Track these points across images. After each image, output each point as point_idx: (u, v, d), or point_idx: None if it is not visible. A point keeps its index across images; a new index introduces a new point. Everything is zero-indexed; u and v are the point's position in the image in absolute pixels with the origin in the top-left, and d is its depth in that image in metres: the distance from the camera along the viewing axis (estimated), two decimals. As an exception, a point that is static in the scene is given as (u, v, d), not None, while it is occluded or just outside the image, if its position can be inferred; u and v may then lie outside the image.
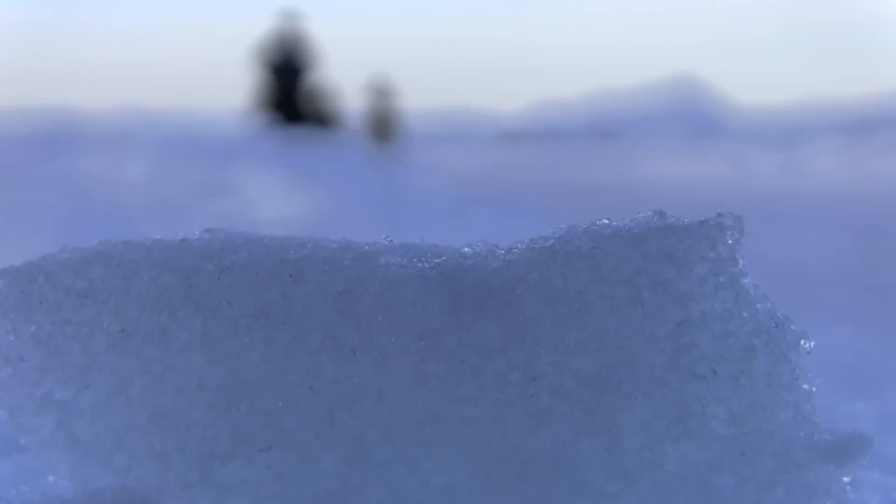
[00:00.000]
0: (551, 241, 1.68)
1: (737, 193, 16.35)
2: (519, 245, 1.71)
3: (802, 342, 1.69)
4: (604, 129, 20.37)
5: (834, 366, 4.89)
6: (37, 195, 6.42)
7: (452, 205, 6.48)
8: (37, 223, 5.05)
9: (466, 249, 1.73)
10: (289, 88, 24.10)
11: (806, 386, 1.69)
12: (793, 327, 1.69)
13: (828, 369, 4.76)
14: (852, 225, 10.39)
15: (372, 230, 5.08)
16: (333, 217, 5.58)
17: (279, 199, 5.87)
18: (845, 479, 1.69)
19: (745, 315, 1.66)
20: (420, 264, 1.69)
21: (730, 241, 1.70)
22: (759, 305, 1.69)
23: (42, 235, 5.04)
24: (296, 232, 5.06)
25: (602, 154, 25.93)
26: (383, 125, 26.70)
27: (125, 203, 6.32)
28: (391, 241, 1.75)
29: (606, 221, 1.71)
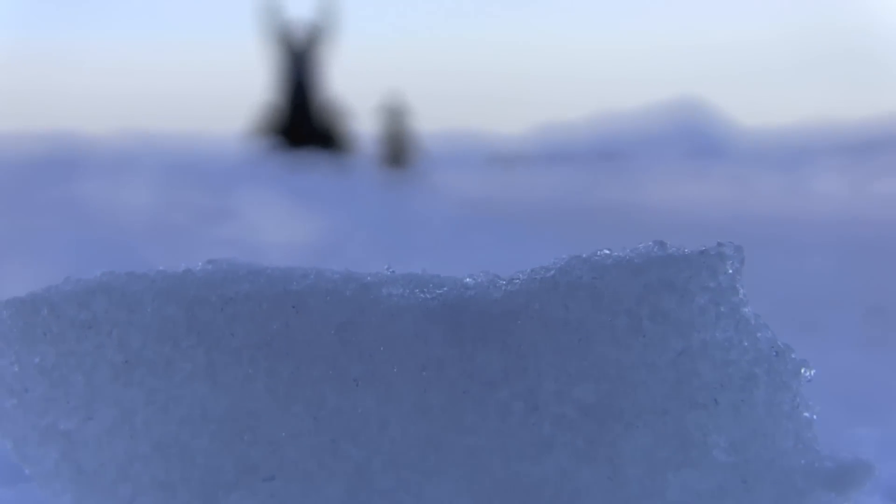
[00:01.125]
0: (552, 272, 1.70)
1: (740, 215, 16.36)
2: (520, 275, 1.72)
3: (803, 370, 1.70)
4: (606, 152, 20.39)
5: (836, 389, 4.89)
6: (39, 220, 6.44)
7: (456, 229, 6.49)
8: (39, 248, 5.07)
9: (468, 280, 1.75)
10: (301, 104, 23.76)
11: (807, 414, 1.70)
12: (793, 356, 1.70)
13: (830, 392, 4.76)
14: (855, 247, 10.39)
15: (375, 255, 5.09)
16: (337, 242, 5.59)
17: (283, 224, 5.88)
18: (847, 506, 1.69)
19: (746, 344, 1.67)
20: (422, 295, 1.70)
21: (730, 271, 1.71)
22: (759, 334, 1.70)
23: (45, 260, 5.05)
24: (299, 257, 5.06)
25: (605, 176, 25.95)
26: (398, 148, 26.24)
27: (128, 228, 6.33)
28: (393, 271, 1.76)
29: (607, 252, 1.72)
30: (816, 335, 5.67)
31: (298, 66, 23.92)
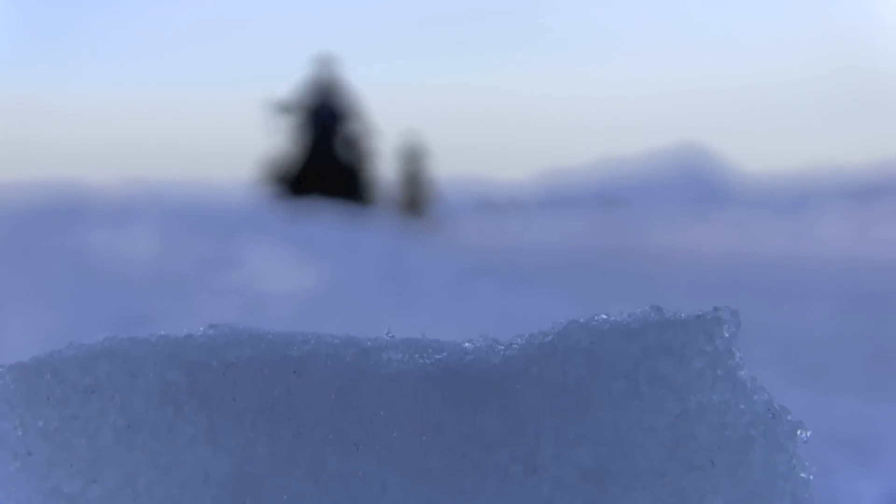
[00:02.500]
0: (551, 337, 1.72)
1: (742, 260, 16.42)
2: (519, 340, 1.75)
3: (799, 432, 1.72)
4: (610, 197, 20.46)
5: (839, 434, 4.90)
6: (41, 270, 6.46)
7: (460, 276, 6.51)
8: (41, 298, 5.08)
9: (467, 345, 1.77)
10: (326, 137, 23.06)
11: (803, 475, 1.71)
12: (789, 417, 1.71)
13: (833, 438, 4.77)
14: (858, 291, 10.41)
15: (378, 304, 5.10)
16: (340, 291, 5.61)
17: (286, 273, 5.90)
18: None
19: (742, 406, 1.69)
20: (421, 360, 1.72)
21: (726, 335, 1.73)
22: (755, 397, 1.71)
23: (47, 310, 5.07)
24: (301, 307, 5.07)
25: (609, 221, 26.05)
26: (414, 191, 25.98)
27: (131, 277, 6.35)
28: (392, 336, 1.78)
29: (605, 317, 1.74)
30: (820, 380, 5.69)
31: (321, 117, 23.17)
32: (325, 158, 22.81)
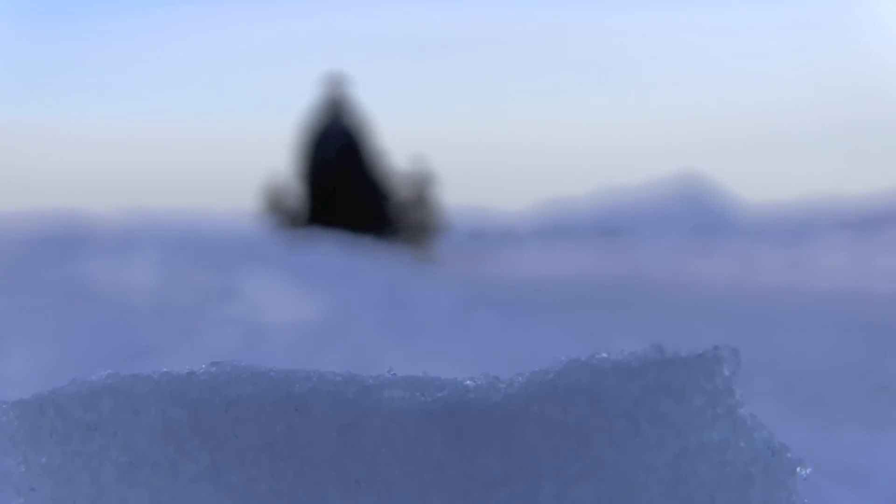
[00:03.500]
0: (551, 375, 1.72)
1: (743, 290, 16.39)
2: (519, 378, 1.75)
3: (798, 469, 1.72)
4: (610, 227, 20.47)
5: (841, 466, 4.88)
6: (41, 300, 6.46)
7: (460, 308, 6.51)
8: (41, 329, 5.09)
9: (468, 382, 1.78)
10: (340, 159, 21.27)
11: (803, 512, 1.72)
12: (789, 454, 1.72)
13: (834, 470, 4.75)
14: (859, 322, 10.40)
15: (379, 337, 5.10)
16: (342, 322, 5.61)
17: (286, 304, 5.90)
18: None
19: (742, 444, 1.70)
20: (422, 398, 1.73)
21: (726, 373, 1.74)
22: (755, 434, 1.72)
23: (47, 341, 5.07)
24: (303, 338, 5.07)
25: (609, 252, 26.02)
26: (420, 219, 25.61)
27: (131, 307, 6.35)
28: (394, 374, 1.79)
29: (605, 356, 1.75)
30: (821, 411, 5.67)
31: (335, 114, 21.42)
32: (339, 182, 21.16)
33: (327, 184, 17.98)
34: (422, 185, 24.73)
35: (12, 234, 7.86)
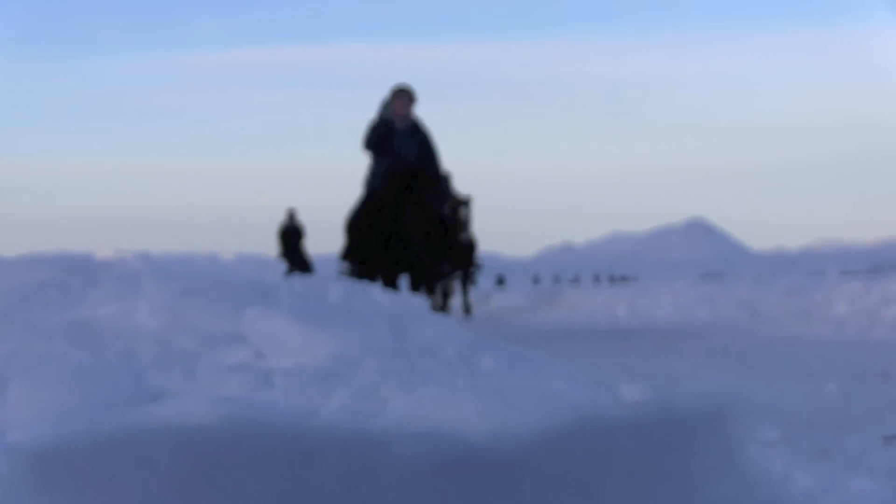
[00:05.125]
0: (560, 431, 1.70)
1: (750, 338, 16.33)
2: (527, 432, 1.73)
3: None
4: (618, 273, 20.43)
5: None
6: (48, 343, 6.43)
7: (467, 352, 6.47)
8: (47, 374, 5.05)
9: (476, 437, 1.76)
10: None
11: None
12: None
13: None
14: (868, 371, 10.35)
15: (385, 382, 5.06)
16: (346, 367, 5.57)
17: (293, 348, 5.86)
18: None
19: (749, 499, 1.68)
20: (430, 452, 1.71)
21: (735, 430, 1.72)
22: (763, 490, 1.70)
23: (53, 386, 5.04)
24: (306, 383, 5.02)
25: (616, 297, 25.95)
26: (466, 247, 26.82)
27: (137, 352, 6.32)
28: (403, 428, 1.77)
29: (614, 412, 1.73)
30: (830, 461, 5.63)
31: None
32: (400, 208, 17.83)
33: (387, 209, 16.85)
34: (463, 212, 25.97)
35: (17, 277, 7.83)
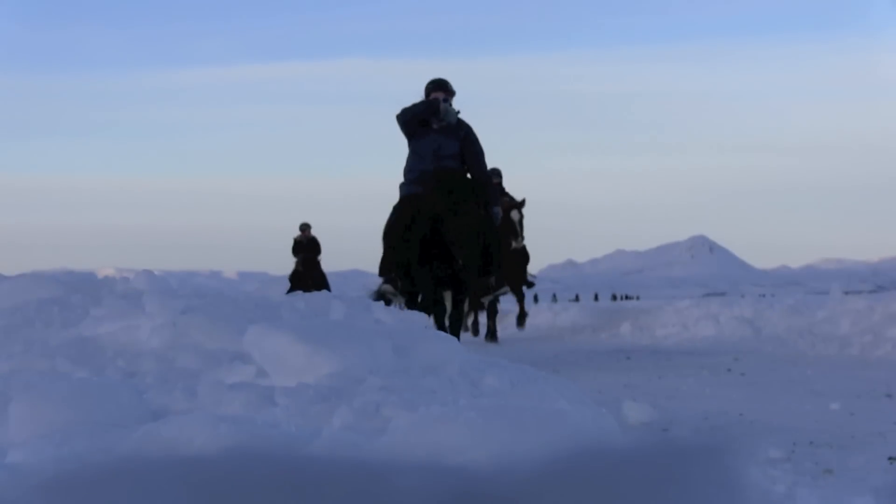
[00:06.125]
0: (561, 462, 1.69)
1: (754, 356, 16.30)
2: (530, 463, 1.72)
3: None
4: (622, 290, 20.41)
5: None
6: (49, 362, 6.42)
7: (470, 371, 6.46)
8: (49, 392, 5.04)
9: (477, 467, 1.75)
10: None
11: None
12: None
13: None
14: (873, 391, 10.33)
15: (387, 401, 5.05)
16: (347, 386, 5.56)
17: (295, 367, 5.85)
18: None
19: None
20: (432, 484, 1.69)
21: (735, 462, 1.71)
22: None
23: (55, 405, 5.03)
24: (308, 402, 5.01)
25: (619, 315, 25.94)
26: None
27: (138, 370, 6.31)
28: (404, 451, 1.76)
29: (614, 443, 1.72)
30: (832, 481, 5.61)
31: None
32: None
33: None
34: (514, 216, 23.33)
35: (19, 294, 7.82)
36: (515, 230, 22.90)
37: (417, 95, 14.40)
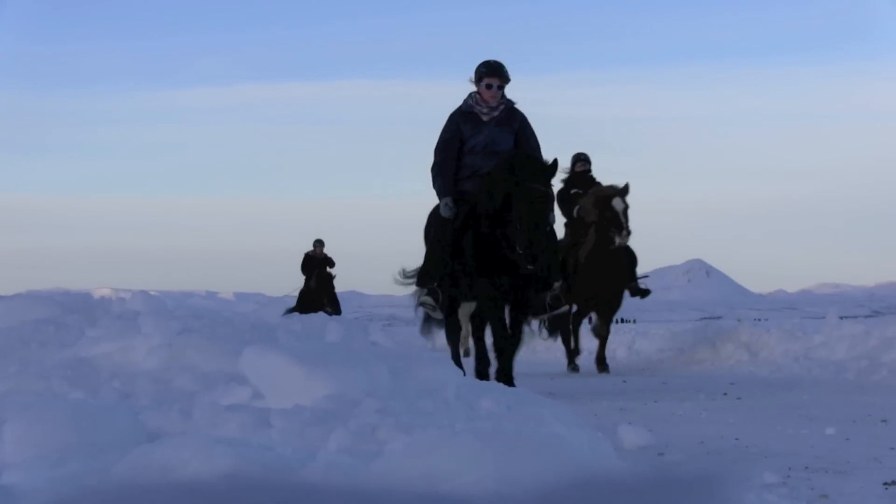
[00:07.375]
0: (559, 492, 1.69)
1: (751, 381, 16.30)
2: (526, 490, 1.72)
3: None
4: (619, 314, 20.30)
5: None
6: (45, 383, 6.41)
7: (466, 394, 6.45)
8: (45, 413, 5.03)
9: (474, 494, 1.75)
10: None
11: None
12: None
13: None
14: (869, 416, 10.31)
15: (383, 424, 5.04)
16: (343, 408, 5.55)
17: (291, 389, 5.84)
18: None
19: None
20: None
21: (731, 488, 1.71)
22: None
23: (51, 426, 5.02)
24: (304, 424, 4.99)
25: (616, 338, 25.90)
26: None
27: (134, 391, 6.30)
28: (400, 486, 1.76)
29: (613, 474, 1.72)
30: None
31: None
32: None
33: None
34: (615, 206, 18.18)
35: (14, 314, 7.81)
36: (619, 222, 17.70)
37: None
